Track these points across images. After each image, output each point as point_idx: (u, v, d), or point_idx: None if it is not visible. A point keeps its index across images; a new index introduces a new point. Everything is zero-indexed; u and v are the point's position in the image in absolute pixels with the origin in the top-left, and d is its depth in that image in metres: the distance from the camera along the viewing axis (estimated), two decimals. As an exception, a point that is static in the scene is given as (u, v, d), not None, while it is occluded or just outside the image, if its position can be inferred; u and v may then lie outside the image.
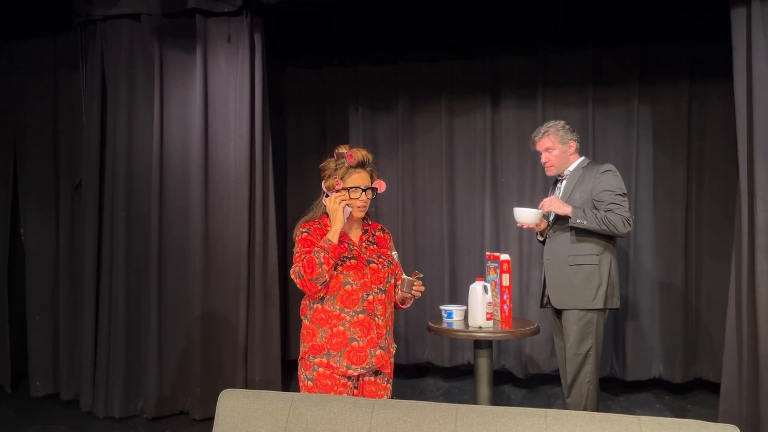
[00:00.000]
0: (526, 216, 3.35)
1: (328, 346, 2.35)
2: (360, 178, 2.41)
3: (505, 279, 3.40)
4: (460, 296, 4.54)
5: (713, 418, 3.43)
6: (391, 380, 2.49)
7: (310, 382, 2.37)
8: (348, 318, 2.35)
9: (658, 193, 4.46)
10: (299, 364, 2.43)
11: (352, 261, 2.38)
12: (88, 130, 4.24)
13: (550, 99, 4.61)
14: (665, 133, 4.46)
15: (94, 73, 4.23)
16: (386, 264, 2.47)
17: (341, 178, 2.40)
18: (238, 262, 4.01)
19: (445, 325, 3.43)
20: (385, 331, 2.41)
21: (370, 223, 2.55)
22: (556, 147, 3.40)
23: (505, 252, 3.88)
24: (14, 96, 4.53)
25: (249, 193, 4.03)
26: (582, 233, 3.27)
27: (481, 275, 3.58)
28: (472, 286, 3.35)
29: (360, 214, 2.45)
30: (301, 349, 2.42)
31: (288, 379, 4.26)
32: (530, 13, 4.40)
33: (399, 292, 2.49)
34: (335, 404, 2.04)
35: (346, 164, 2.40)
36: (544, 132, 3.43)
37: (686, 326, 4.38)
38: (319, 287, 2.33)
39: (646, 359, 4.44)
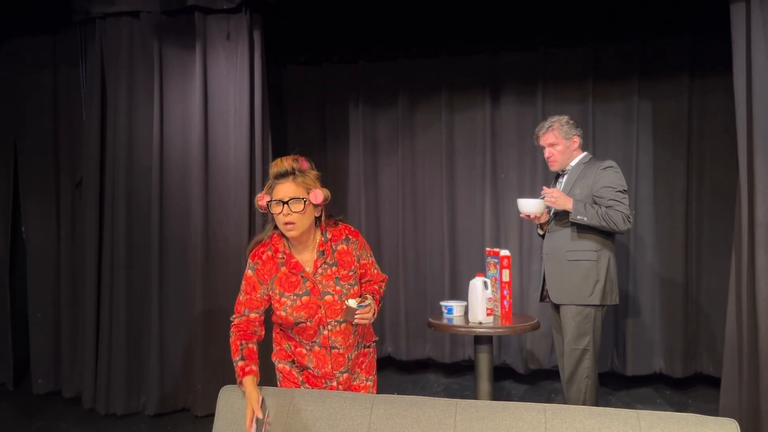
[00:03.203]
0: (530, 206, 3.35)
1: (293, 357, 2.30)
2: (283, 189, 2.08)
3: (506, 274, 3.41)
4: (460, 292, 4.55)
5: (714, 412, 3.43)
6: (371, 377, 2.38)
7: (278, 378, 2.35)
8: (306, 347, 2.24)
9: (658, 187, 4.46)
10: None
11: (304, 298, 2.15)
12: (88, 127, 4.25)
13: (550, 94, 4.61)
14: (665, 128, 4.46)
15: (93, 70, 4.24)
16: (346, 290, 2.18)
17: (267, 192, 2.12)
18: (238, 258, 4.01)
19: (445, 321, 3.43)
20: (346, 358, 2.25)
21: (330, 236, 2.20)
22: (560, 142, 3.40)
23: (505, 248, 3.89)
24: (14, 94, 4.53)
25: (249, 189, 4.04)
26: (581, 229, 3.27)
27: (482, 271, 3.59)
28: (472, 282, 3.35)
29: (293, 234, 2.10)
30: (273, 345, 2.37)
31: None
32: (530, 8, 4.40)
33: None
34: (335, 400, 2.05)
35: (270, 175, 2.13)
36: (548, 127, 3.42)
37: (686, 321, 4.39)
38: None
39: (647, 354, 4.44)
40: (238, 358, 2.15)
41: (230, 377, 3.82)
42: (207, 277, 4.01)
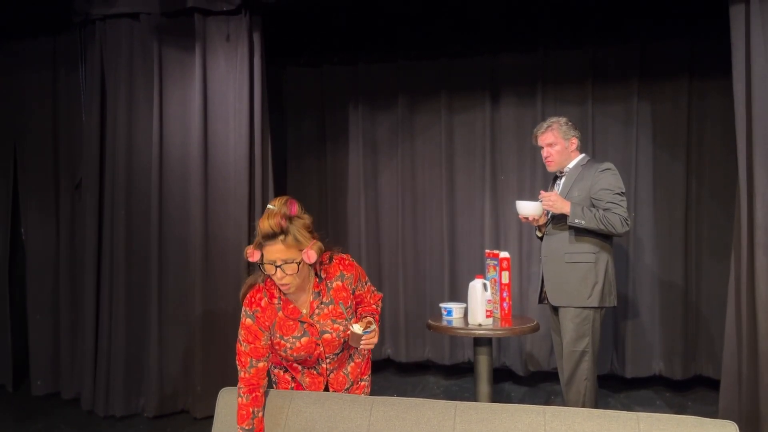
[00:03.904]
0: (528, 208, 3.35)
1: (286, 364, 2.28)
2: (274, 251, 1.96)
3: (505, 276, 3.41)
4: (459, 294, 4.55)
5: (713, 414, 3.42)
6: (365, 377, 2.37)
7: (274, 380, 2.34)
8: (302, 371, 2.24)
9: (657, 190, 4.46)
10: None
11: (303, 339, 2.11)
12: (88, 129, 4.25)
13: (549, 96, 4.62)
14: (665, 131, 4.46)
15: (93, 72, 4.24)
16: (344, 326, 2.14)
17: (256, 248, 2.00)
18: (238, 260, 4.01)
19: (444, 323, 3.44)
20: (345, 381, 2.27)
21: (325, 276, 2.13)
22: (558, 142, 3.40)
23: (504, 249, 3.89)
24: (14, 95, 4.53)
25: (249, 191, 4.04)
26: (579, 231, 3.27)
27: (481, 273, 3.59)
28: (471, 284, 3.36)
29: (290, 291, 2.05)
30: None
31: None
32: (530, 10, 4.41)
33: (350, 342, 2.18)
34: (334, 401, 2.05)
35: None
36: (547, 127, 3.43)
37: (686, 323, 4.39)
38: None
39: (646, 356, 4.45)
40: (247, 428, 2.03)
41: (230, 379, 3.83)
42: (206, 278, 4.01)
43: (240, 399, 2.05)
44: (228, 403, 2.15)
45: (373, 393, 2.35)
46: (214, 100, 4.08)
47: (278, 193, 4.43)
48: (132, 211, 4.13)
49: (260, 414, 2.06)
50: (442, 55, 4.80)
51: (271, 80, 4.42)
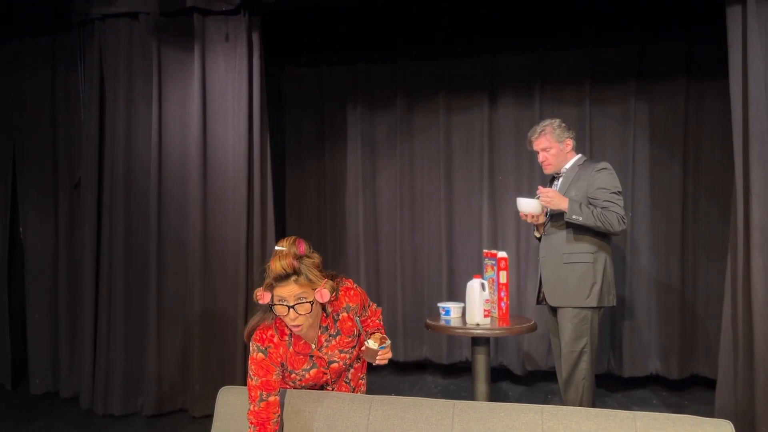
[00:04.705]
0: (528, 205, 3.36)
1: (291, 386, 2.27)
2: (286, 291, 1.94)
3: (503, 276, 3.42)
4: (457, 294, 4.57)
5: (709, 413, 3.45)
6: (362, 375, 2.39)
7: None
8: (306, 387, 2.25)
9: (654, 190, 4.48)
10: None
11: (312, 371, 2.13)
12: (87, 128, 4.25)
13: (547, 97, 4.63)
14: (662, 131, 4.48)
15: (92, 72, 4.24)
16: (350, 355, 2.18)
17: (267, 290, 1.97)
18: (236, 260, 4.02)
19: (442, 323, 3.45)
20: (348, 388, 2.32)
21: (331, 310, 2.11)
22: (553, 146, 3.41)
23: (502, 249, 3.91)
24: (13, 95, 4.53)
25: (247, 191, 4.05)
26: (578, 231, 3.28)
27: (479, 273, 3.60)
28: (469, 284, 3.37)
29: (301, 332, 2.03)
30: None
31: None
32: (528, 11, 4.42)
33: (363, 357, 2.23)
34: (333, 400, 2.06)
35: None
36: (540, 131, 3.44)
37: (683, 323, 4.41)
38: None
39: (643, 356, 4.47)
40: None
41: (228, 378, 3.85)
42: (205, 278, 4.02)
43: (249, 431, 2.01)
44: (227, 402, 2.16)
45: (370, 392, 2.36)
46: (213, 100, 4.08)
47: (277, 193, 4.46)
48: (131, 211, 4.13)
49: None
50: (441, 56, 4.82)
51: (270, 80, 4.43)
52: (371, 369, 2.47)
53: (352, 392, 2.31)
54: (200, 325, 4.00)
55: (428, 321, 3.53)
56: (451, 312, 3.48)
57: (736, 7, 3.31)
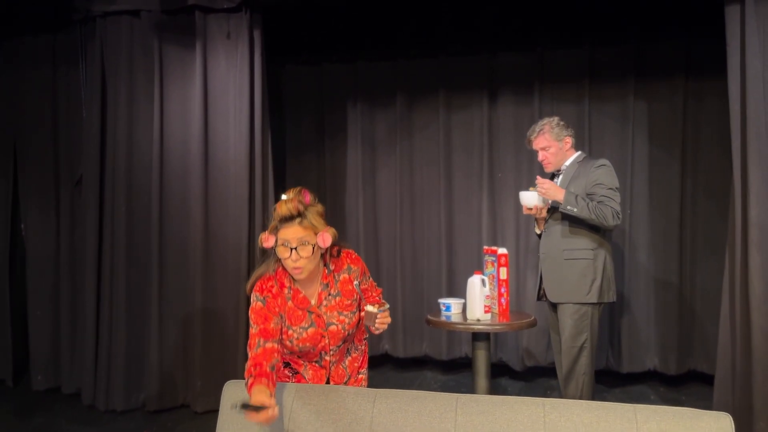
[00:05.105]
0: (531, 198, 3.39)
1: (289, 358, 2.29)
2: (290, 232, 2.02)
3: (503, 272, 3.45)
4: (457, 291, 4.59)
5: (707, 409, 3.45)
6: (363, 370, 2.41)
7: None
8: (305, 364, 2.27)
9: (653, 188, 4.51)
10: None
11: (310, 330, 2.15)
12: (88, 126, 4.26)
13: (546, 95, 4.65)
14: (660, 130, 4.51)
15: (93, 69, 4.25)
16: (349, 319, 2.20)
17: (271, 233, 2.05)
18: (238, 256, 4.04)
19: (443, 318, 3.47)
20: (344, 371, 2.31)
21: (333, 267, 2.18)
22: (552, 145, 3.44)
23: (502, 246, 3.93)
24: (14, 93, 4.54)
25: (248, 188, 4.07)
26: (577, 227, 3.31)
27: (478, 269, 3.62)
28: (470, 280, 3.39)
29: (301, 277, 2.08)
30: None
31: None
32: (527, 9, 4.44)
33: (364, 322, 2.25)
34: (338, 394, 2.08)
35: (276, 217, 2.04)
36: (539, 131, 3.47)
37: (681, 319, 4.44)
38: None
39: (642, 352, 4.49)
40: (248, 376, 1.93)
41: (230, 374, 3.87)
42: (206, 274, 4.04)
43: (246, 373, 1.94)
44: (233, 396, 2.17)
45: (370, 387, 2.38)
46: (215, 97, 4.10)
47: (278, 190, 4.46)
48: (132, 208, 4.15)
49: (268, 368, 1.93)
50: (441, 54, 4.83)
51: (270, 78, 4.44)
52: (371, 364, 2.49)
53: (348, 380, 2.32)
54: (201, 321, 4.02)
55: (429, 317, 3.56)
56: (451, 308, 3.51)
57: (735, 6, 3.34)
